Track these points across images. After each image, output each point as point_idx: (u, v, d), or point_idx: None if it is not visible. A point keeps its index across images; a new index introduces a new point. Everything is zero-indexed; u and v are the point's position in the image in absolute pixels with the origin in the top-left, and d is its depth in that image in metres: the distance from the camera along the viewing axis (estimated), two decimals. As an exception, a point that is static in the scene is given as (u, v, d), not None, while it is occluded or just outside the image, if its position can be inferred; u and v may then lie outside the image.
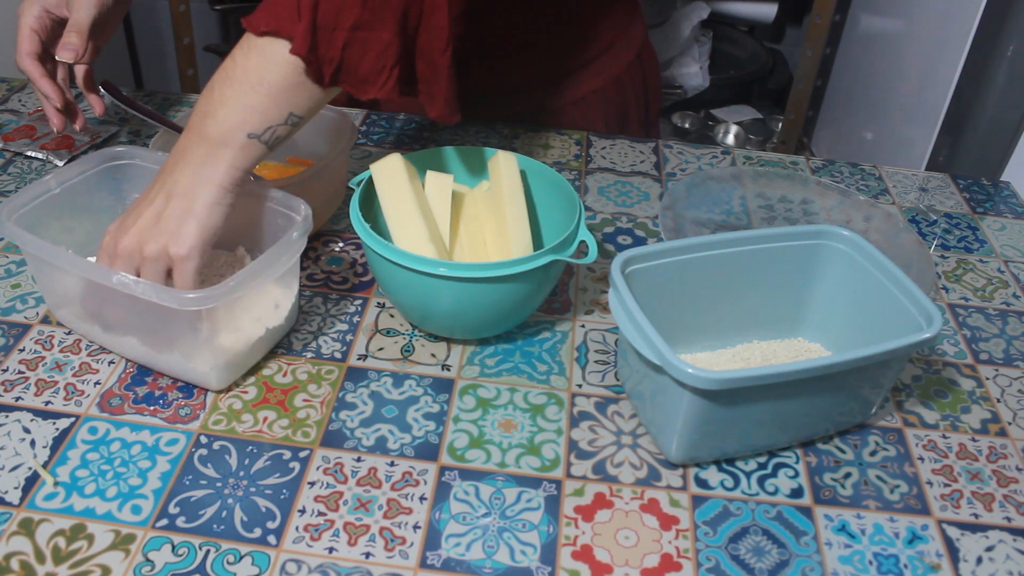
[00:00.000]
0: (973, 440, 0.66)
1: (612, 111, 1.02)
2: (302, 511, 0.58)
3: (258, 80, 0.61)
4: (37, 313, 0.72)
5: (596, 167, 0.96)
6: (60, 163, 0.91)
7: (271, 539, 0.56)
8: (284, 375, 0.68)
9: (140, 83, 2.19)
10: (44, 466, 0.60)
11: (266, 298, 0.65)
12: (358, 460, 0.62)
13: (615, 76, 0.99)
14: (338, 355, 0.70)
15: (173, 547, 0.55)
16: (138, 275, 0.61)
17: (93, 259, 0.69)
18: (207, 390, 0.66)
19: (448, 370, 0.69)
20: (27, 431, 0.62)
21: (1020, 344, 0.76)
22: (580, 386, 0.69)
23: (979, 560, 0.58)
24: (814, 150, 1.98)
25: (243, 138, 0.61)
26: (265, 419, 0.64)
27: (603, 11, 0.95)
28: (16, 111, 1.00)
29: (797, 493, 0.61)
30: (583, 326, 0.74)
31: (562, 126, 1.01)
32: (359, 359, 0.70)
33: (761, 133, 2.08)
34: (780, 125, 2.00)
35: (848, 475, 0.63)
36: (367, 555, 0.56)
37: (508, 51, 0.93)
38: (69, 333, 0.71)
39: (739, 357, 0.70)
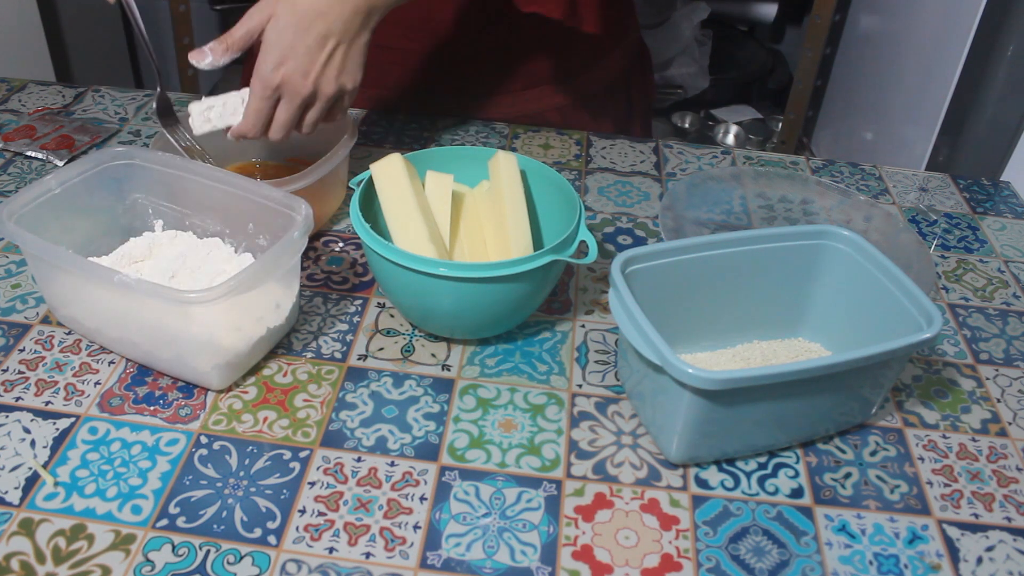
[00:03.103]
0: (973, 440, 0.66)
1: (620, 108, 1.03)
2: (302, 511, 0.58)
3: None
4: (37, 313, 0.72)
5: (596, 167, 0.96)
6: (60, 163, 0.91)
7: (271, 539, 0.56)
8: (284, 375, 0.68)
9: (140, 83, 2.19)
10: (44, 466, 0.60)
11: (267, 297, 0.65)
12: (358, 460, 0.62)
13: (621, 72, 1.00)
14: (338, 355, 0.70)
15: (173, 547, 0.55)
16: (301, 113, 0.70)
17: (95, 259, 0.69)
18: (207, 390, 0.66)
19: (448, 370, 0.69)
20: (27, 431, 0.62)
21: (1020, 344, 0.76)
22: (580, 386, 0.69)
23: (979, 560, 0.58)
24: (814, 150, 1.98)
25: None
26: (265, 419, 0.64)
27: (608, 8, 0.96)
28: (16, 111, 1.00)
29: (797, 493, 0.61)
30: (583, 326, 0.74)
31: (571, 125, 1.01)
32: (359, 359, 0.70)
33: (761, 133, 2.08)
34: (780, 125, 2.00)
35: (848, 475, 0.63)
36: (367, 555, 0.56)
37: (518, 44, 0.93)
38: (69, 333, 0.71)
39: (739, 357, 0.70)
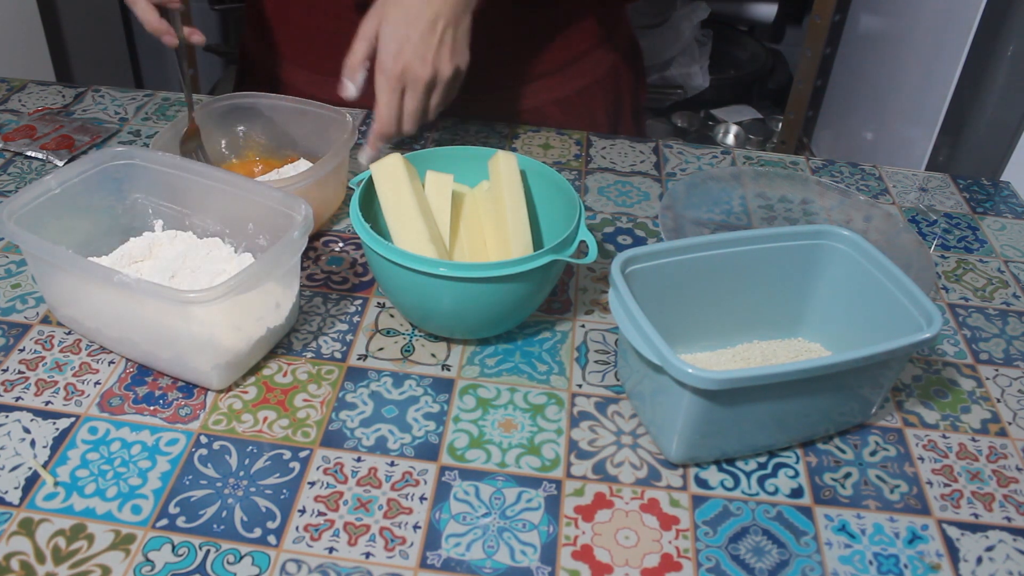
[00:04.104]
0: (973, 440, 0.66)
1: (610, 100, 1.04)
2: (302, 511, 0.58)
3: None
4: (37, 313, 0.72)
5: (596, 167, 0.96)
6: (60, 163, 0.91)
7: (271, 539, 0.56)
8: (284, 375, 0.68)
9: (140, 83, 2.19)
10: (44, 466, 0.60)
11: (267, 297, 0.65)
12: (358, 460, 0.62)
13: (612, 65, 1.01)
14: (338, 355, 0.70)
15: (173, 547, 0.55)
16: (427, 100, 0.75)
17: (95, 259, 0.69)
18: (207, 390, 0.66)
19: (448, 370, 0.69)
20: (27, 431, 0.62)
21: (1020, 344, 0.76)
22: (580, 386, 0.69)
23: (979, 560, 0.58)
24: (814, 150, 1.98)
25: None
26: (265, 419, 0.64)
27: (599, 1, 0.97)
28: (16, 111, 1.00)
29: (797, 493, 0.61)
30: (583, 326, 0.74)
31: (566, 117, 1.02)
32: (359, 359, 0.70)
33: (761, 133, 2.08)
34: (780, 125, 2.00)
35: (848, 475, 0.63)
36: (367, 555, 0.56)
37: (512, 40, 0.94)
38: (69, 333, 0.71)
39: (739, 357, 0.70)
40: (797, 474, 0.63)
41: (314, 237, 0.83)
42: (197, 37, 0.79)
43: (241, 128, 0.87)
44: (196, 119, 0.83)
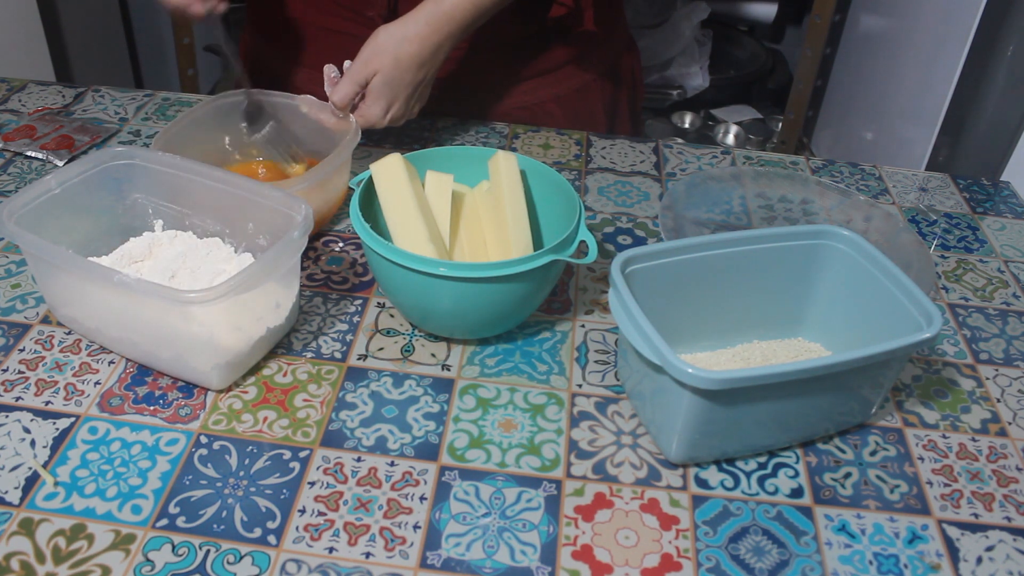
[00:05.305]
0: (973, 440, 0.66)
1: (608, 99, 1.04)
2: (302, 511, 0.58)
3: None
4: (37, 313, 0.72)
5: (596, 167, 0.96)
6: (60, 163, 0.91)
7: (271, 539, 0.56)
8: (284, 375, 0.68)
9: (140, 83, 2.19)
10: (44, 466, 0.60)
11: (267, 297, 0.65)
12: (358, 460, 0.62)
13: (611, 64, 1.01)
14: (338, 355, 0.70)
15: (173, 547, 0.55)
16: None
17: (95, 259, 0.69)
18: (207, 390, 0.66)
19: (448, 370, 0.69)
20: (27, 431, 0.62)
21: (1020, 344, 0.76)
22: (580, 386, 0.69)
23: (979, 560, 0.58)
24: (814, 150, 1.98)
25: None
26: (265, 419, 0.64)
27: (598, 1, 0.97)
28: (16, 111, 1.00)
29: (797, 493, 0.61)
30: (583, 326, 0.74)
31: (565, 114, 1.02)
32: (359, 359, 0.70)
33: (761, 133, 2.08)
34: (780, 125, 2.00)
35: (848, 475, 0.63)
36: (367, 555, 0.56)
37: (518, 38, 0.94)
38: (69, 333, 0.71)
39: (739, 357, 0.70)
40: (797, 474, 0.63)
41: (314, 237, 0.83)
42: (223, 6, 0.80)
43: (245, 126, 0.87)
44: (197, 118, 0.83)
